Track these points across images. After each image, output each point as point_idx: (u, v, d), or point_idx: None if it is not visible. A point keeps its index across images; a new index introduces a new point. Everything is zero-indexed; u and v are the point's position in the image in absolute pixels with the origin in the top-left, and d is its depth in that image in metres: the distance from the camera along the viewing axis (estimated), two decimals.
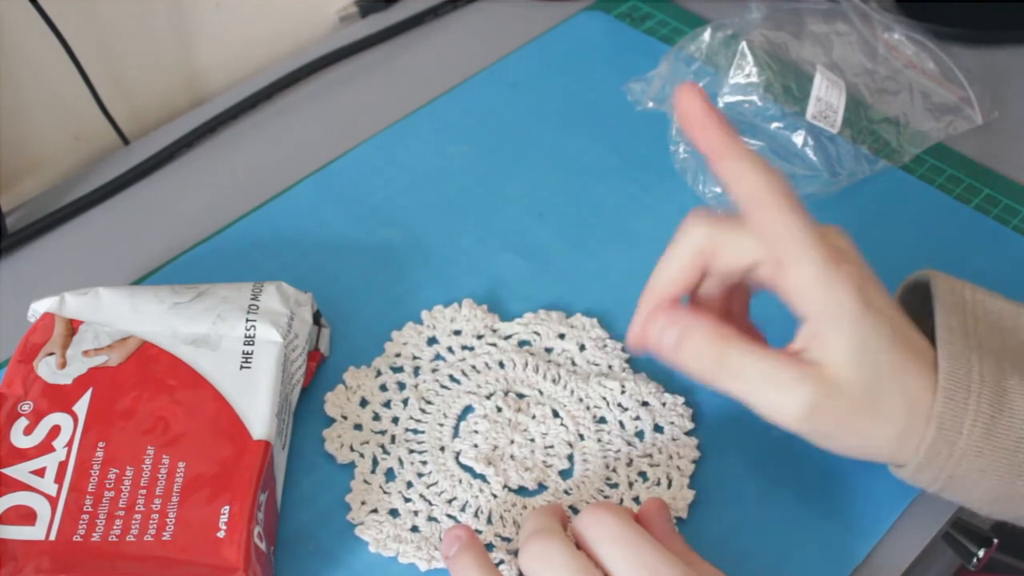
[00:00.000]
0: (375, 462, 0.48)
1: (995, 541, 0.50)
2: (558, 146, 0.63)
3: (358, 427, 0.49)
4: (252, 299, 0.49)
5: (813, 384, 0.41)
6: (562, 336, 0.53)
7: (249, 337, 0.48)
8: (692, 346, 0.43)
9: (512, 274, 0.56)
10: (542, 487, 0.47)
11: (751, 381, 0.42)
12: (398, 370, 0.51)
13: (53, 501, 0.42)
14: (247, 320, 0.48)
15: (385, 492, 0.47)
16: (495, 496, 0.47)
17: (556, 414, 0.50)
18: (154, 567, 0.41)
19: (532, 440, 0.49)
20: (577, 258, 0.57)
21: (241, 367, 0.47)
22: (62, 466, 0.43)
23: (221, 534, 0.41)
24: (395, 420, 0.50)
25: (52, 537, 0.41)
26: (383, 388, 0.51)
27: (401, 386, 0.51)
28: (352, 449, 0.48)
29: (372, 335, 0.53)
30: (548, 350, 0.52)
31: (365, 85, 0.67)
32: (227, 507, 0.42)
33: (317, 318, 0.52)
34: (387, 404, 0.50)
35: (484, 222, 0.59)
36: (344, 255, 0.57)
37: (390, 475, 0.48)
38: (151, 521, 0.42)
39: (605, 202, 0.60)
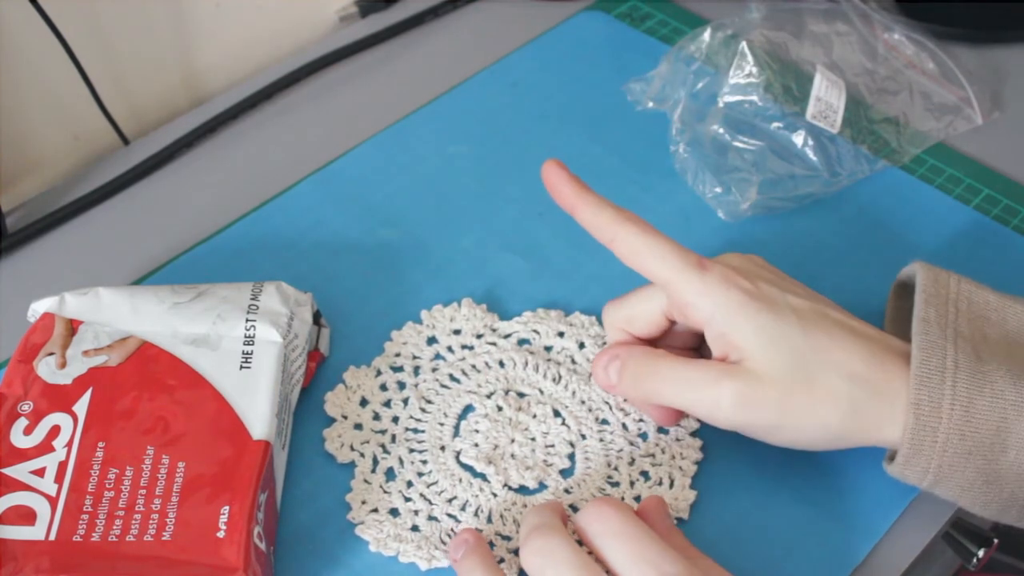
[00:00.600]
0: (375, 461, 0.48)
1: (995, 541, 0.50)
2: (558, 146, 0.63)
3: (358, 427, 0.49)
4: (252, 299, 0.49)
5: (736, 377, 0.43)
6: (561, 334, 0.53)
7: (249, 337, 0.48)
8: (630, 370, 0.47)
9: (512, 274, 0.56)
10: (543, 486, 0.47)
11: (682, 385, 0.45)
12: (398, 370, 0.51)
13: (53, 501, 0.42)
14: (247, 320, 0.48)
15: (385, 491, 0.47)
16: (495, 495, 0.47)
17: (557, 413, 0.50)
18: (154, 567, 0.41)
19: (533, 439, 0.49)
20: (576, 258, 0.57)
21: (241, 367, 0.47)
22: (62, 466, 0.43)
23: (221, 534, 0.41)
24: (395, 419, 0.50)
25: (52, 537, 0.41)
26: (383, 388, 0.51)
27: (401, 385, 0.51)
28: (352, 449, 0.48)
29: (372, 335, 0.53)
30: (547, 348, 0.52)
31: (365, 85, 0.67)
32: (227, 507, 0.42)
33: (317, 318, 0.52)
34: (387, 404, 0.50)
35: (484, 222, 0.59)
36: (344, 255, 0.57)
37: (390, 474, 0.48)
38: (151, 521, 0.42)
39: None
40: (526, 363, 0.51)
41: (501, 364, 0.51)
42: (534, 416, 0.49)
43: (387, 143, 0.63)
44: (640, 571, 0.39)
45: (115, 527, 0.42)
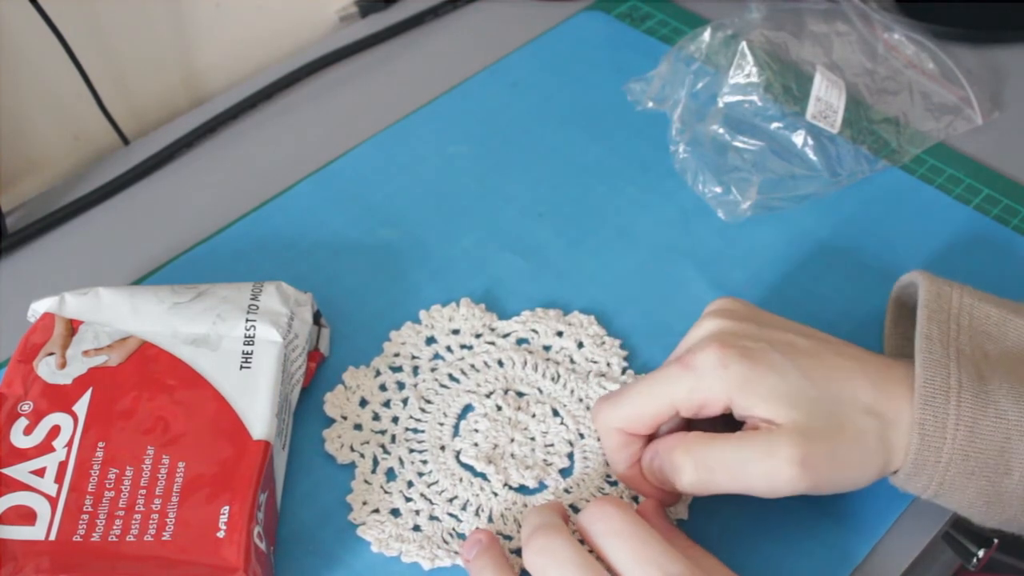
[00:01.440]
0: (375, 462, 0.48)
1: (995, 541, 0.50)
2: (558, 146, 0.63)
3: (358, 427, 0.49)
4: (252, 299, 0.49)
5: (787, 440, 0.41)
6: (560, 334, 0.53)
7: (249, 337, 0.48)
8: (678, 461, 0.43)
9: (511, 274, 0.56)
10: (542, 485, 0.47)
11: (737, 464, 0.42)
12: (397, 370, 0.51)
13: (53, 501, 0.42)
14: (247, 320, 0.48)
15: (386, 492, 0.47)
16: (496, 494, 0.47)
17: (556, 413, 0.50)
18: (154, 567, 0.41)
19: (532, 439, 0.49)
20: (577, 258, 0.57)
21: (241, 367, 0.47)
22: (62, 466, 0.43)
23: (221, 534, 0.41)
24: (395, 420, 0.50)
25: (52, 537, 0.41)
26: (382, 388, 0.51)
27: (400, 386, 0.51)
28: (352, 449, 0.48)
29: (372, 335, 0.53)
30: (546, 348, 0.52)
31: (365, 85, 0.67)
32: (227, 507, 0.42)
33: (317, 318, 0.52)
34: (387, 404, 0.50)
35: (484, 222, 0.59)
36: (344, 255, 0.57)
37: (391, 475, 0.48)
38: (151, 521, 0.42)
39: (605, 202, 0.60)
40: (525, 362, 0.51)
41: (500, 363, 0.51)
42: (533, 415, 0.49)
43: (387, 143, 0.63)
44: (643, 571, 0.39)
45: (115, 527, 0.42)
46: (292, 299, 0.50)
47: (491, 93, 0.66)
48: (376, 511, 0.46)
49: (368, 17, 0.72)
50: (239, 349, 0.47)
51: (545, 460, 0.48)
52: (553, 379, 0.51)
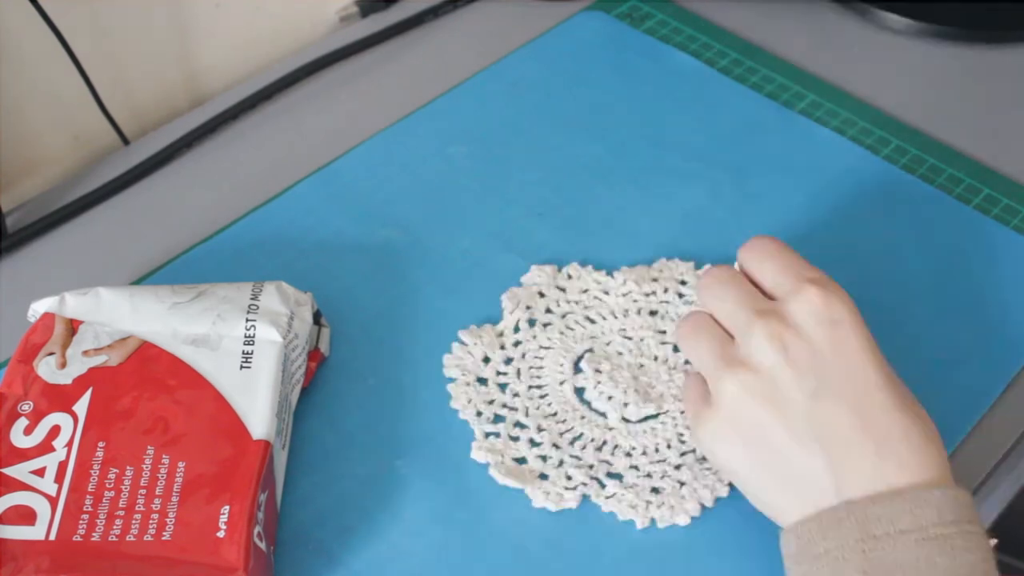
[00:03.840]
0: (497, 418, 0.50)
1: (995, 541, 0.50)
2: (558, 146, 0.63)
3: (481, 381, 0.51)
4: (252, 299, 0.49)
5: None
6: (668, 289, 0.55)
7: (249, 337, 0.48)
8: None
9: (511, 274, 0.56)
10: (659, 413, 0.50)
11: None
12: (515, 330, 0.53)
13: (53, 501, 0.42)
14: (247, 320, 0.48)
15: (513, 439, 0.49)
16: (611, 429, 0.49)
17: (676, 349, 0.52)
18: (154, 567, 0.41)
19: (654, 373, 0.51)
20: (576, 258, 0.57)
21: (241, 367, 0.47)
22: (62, 466, 0.44)
23: (221, 534, 0.41)
24: (517, 372, 0.52)
25: (52, 537, 0.41)
26: (502, 347, 0.52)
27: (517, 343, 0.53)
28: (471, 403, 0.50)
29: (372, 335, 0.53)
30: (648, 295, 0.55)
31: (365, 85, 0.67)
32: (227, 507, 0.42)
33: (317, 318, 0.52)
34: (508, 361, 0.52)
35: (484, 222, 0.59)
36: (344, 255, 0.57)
37: (516, 425, 0.50)
38: (151, 521, 0.42)
39: (605, 202, 0.60)
40: (639, 311, 0.54)
41: (615, 315, 0.54)
42: (655, 358, 0.52)
43: (387, 143, 0.63)
44: (784, 277, 0.45)
45: (115, 527, 0.42)
46: (292, 299, 0.50)
47: (491, 93, 0.66)
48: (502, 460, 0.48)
49: (368, 17, 0.72)
50: (239, 349, 0.47)
51: (665, 393, 0.51)
52: (661, 330, 0.53)
